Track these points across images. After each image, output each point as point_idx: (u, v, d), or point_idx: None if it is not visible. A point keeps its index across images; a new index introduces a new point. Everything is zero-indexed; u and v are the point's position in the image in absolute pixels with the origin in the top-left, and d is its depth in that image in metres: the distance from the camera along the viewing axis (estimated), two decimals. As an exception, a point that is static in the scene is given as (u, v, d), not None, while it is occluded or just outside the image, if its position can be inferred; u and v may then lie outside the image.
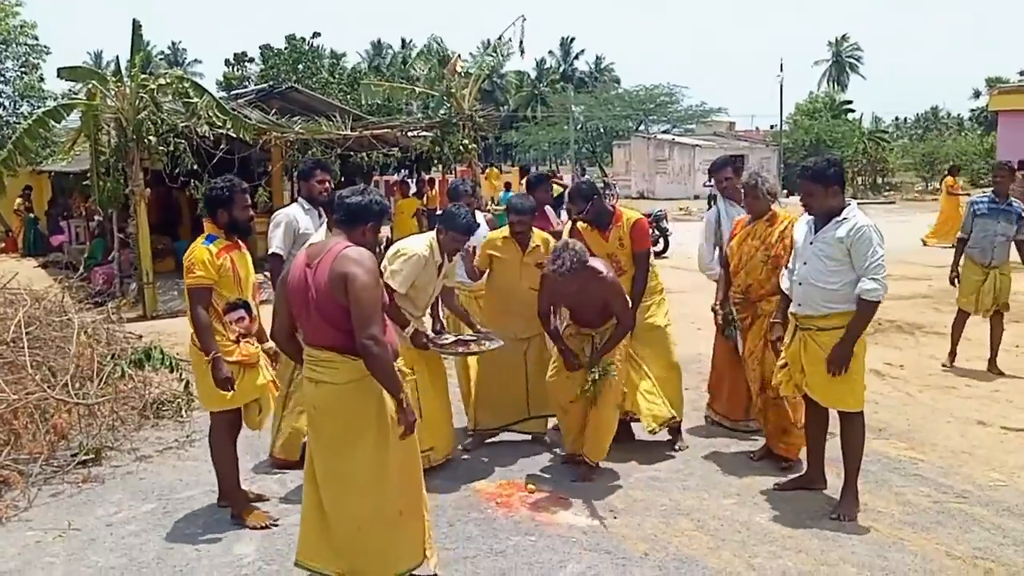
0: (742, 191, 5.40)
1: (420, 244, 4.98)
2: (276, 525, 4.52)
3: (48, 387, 5.61)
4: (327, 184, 5.52)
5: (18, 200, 20.08)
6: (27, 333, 6.09)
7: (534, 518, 4.61)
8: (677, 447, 5.62)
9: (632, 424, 5.71)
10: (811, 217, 4.60)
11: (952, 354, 7.63)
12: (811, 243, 4.52)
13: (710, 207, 7.68)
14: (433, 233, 5.05)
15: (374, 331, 3.37)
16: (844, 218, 4.38)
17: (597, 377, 4.89)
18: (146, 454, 5.71)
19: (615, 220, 5.40)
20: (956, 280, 7.61)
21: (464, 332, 5.40)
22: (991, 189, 7.53)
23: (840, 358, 4.36)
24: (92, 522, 4.67)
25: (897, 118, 72.46)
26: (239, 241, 4.61)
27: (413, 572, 3.72)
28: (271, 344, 4.70)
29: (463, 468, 5.39)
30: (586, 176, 26.54)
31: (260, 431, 4.95)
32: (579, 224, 5.53)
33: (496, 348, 5.14)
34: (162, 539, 4.45)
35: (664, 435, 5.63)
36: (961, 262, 7.49)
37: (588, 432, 5.10)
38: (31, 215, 20.12)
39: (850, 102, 49.50)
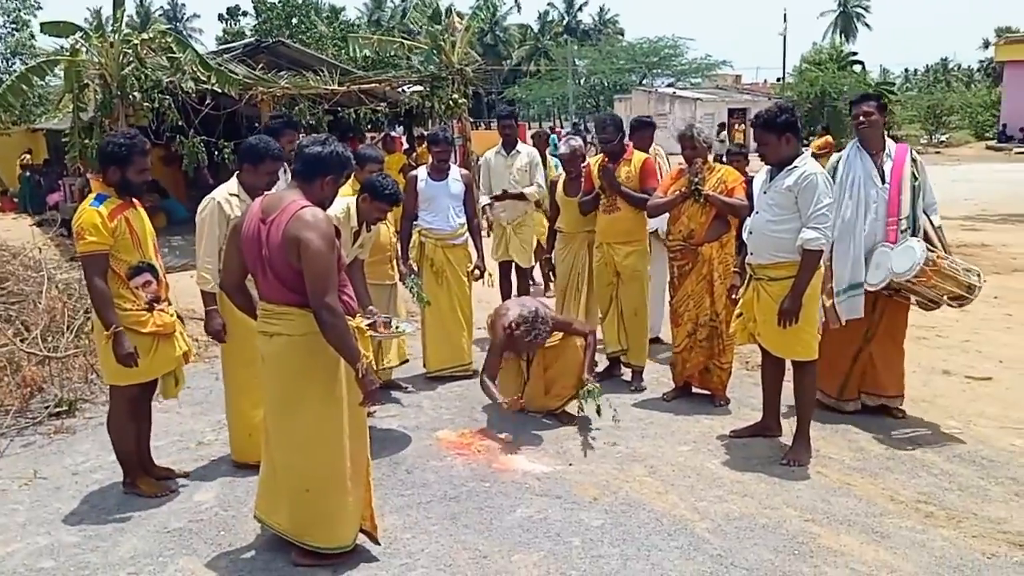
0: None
1: (336, 207, 4.65)
2: (172, 492, 4.41)
3: (20, 341, 5.69)
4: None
5: (26, 156, 20.15)
6: (1, 288, 6.16)
7: (491, 466, 4.69)
8: (633, 387, 5.88)
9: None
10: (769, 167, 4.60)
11: None
12: (764, 192, 4.53)
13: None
14: (354, 199, 4.88)
15: (328, 300, 3.30)
16: (795, 167, 4.38)
17: (586, 392, 5.10)
18: (120, 406, 5.79)
19: (626, 156, 5.89)
20: None
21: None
22: None
23: (789, 311, 4.38)
24: (59, 471, 4.77)
25: (907, 70, 71.46)
26: (133, 200, 4.22)
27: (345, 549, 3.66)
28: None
29: (427, 417, 5.47)
30: (580, 130, 26.45)
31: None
32: (594, 158, 6.08)
33: (409, 333, 5.17)
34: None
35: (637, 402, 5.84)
36: None
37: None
38: (27, 173, 20.15)
39: (855, 53, 48.58)
